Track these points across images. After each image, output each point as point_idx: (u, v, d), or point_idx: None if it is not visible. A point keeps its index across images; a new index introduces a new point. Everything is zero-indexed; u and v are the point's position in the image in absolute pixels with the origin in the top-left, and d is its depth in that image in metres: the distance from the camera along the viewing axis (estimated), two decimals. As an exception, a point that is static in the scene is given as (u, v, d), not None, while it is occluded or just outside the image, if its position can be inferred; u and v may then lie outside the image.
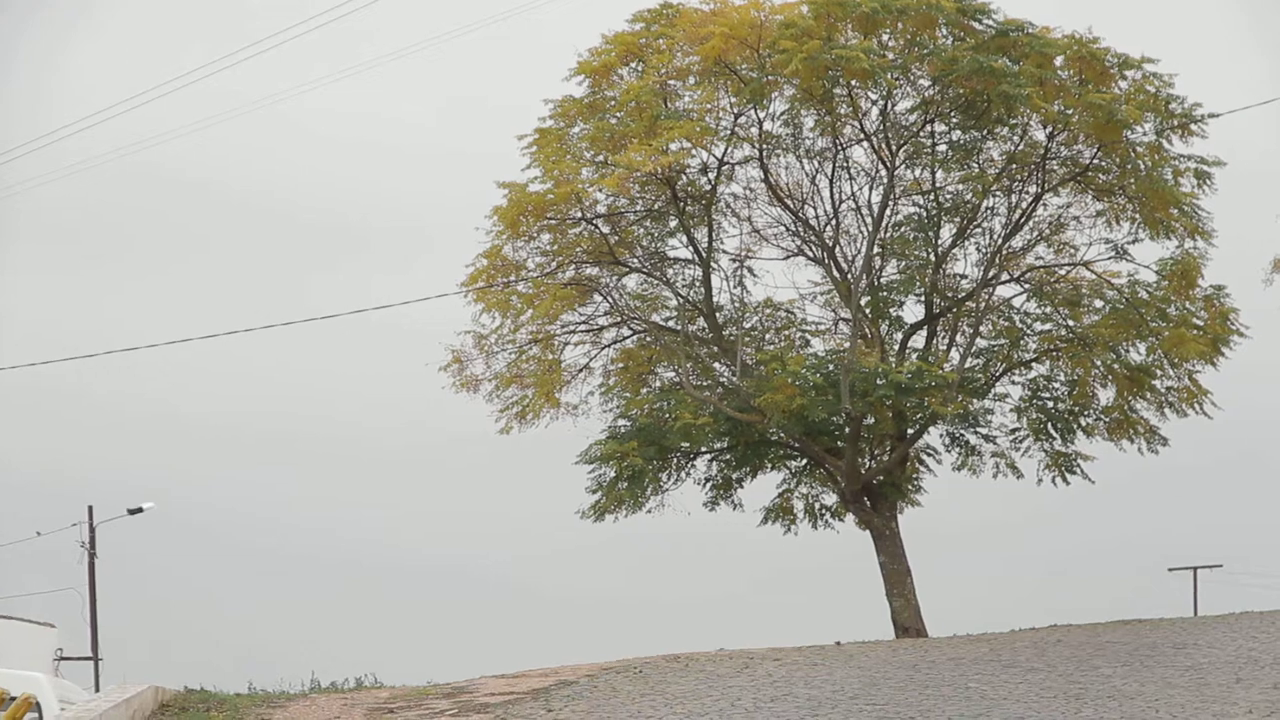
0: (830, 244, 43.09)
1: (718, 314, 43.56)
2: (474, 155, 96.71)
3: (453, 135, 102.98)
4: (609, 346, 44.43)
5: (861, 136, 42.40)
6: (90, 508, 61.69)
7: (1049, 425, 43.62)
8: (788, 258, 43.99)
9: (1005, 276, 43.47)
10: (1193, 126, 40.84)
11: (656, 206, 42.98)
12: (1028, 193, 42.51)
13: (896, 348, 43.22)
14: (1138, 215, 41.94)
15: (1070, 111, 40.26)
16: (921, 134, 42.32)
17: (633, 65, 42.11)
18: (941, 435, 44.03)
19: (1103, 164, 41.76)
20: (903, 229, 43.80)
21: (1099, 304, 42.97)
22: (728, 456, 44.22)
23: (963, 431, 43.96)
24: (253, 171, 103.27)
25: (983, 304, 43.17)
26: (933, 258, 43.15)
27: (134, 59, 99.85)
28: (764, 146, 42.32)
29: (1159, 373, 42.86)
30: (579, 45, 42.07)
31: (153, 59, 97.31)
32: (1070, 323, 43.24)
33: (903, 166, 42.74)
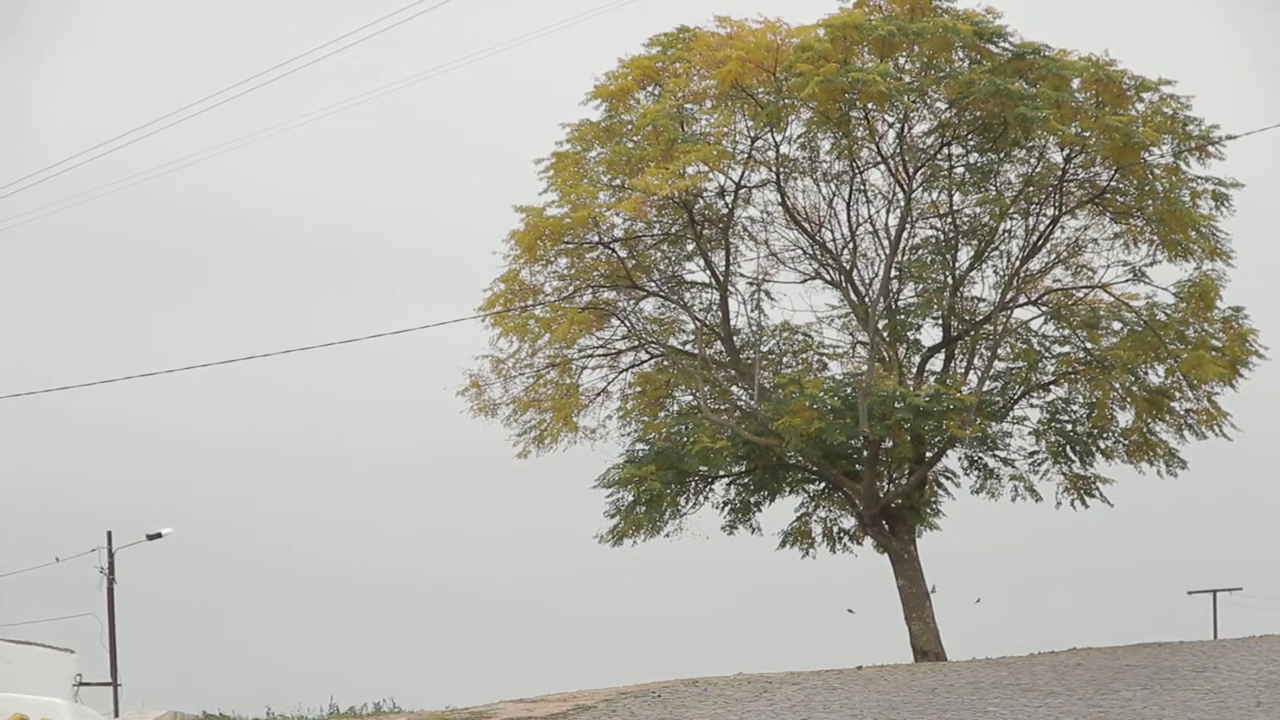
0: (848, 267, 43.06)
1: (735, 337, 43.54)
2: (457, 181, 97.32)
3: (435, 162, 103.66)
4: (626, 370, 44.45)
5: (878, 159, 42.40)
6: (109, 533, 61.80)
7: (1068, 448, 43.51)
8: (805, 281, 44.00)
9: (1023, 299, 43.40)
10: (1210, 148, 40.81)
11: (674, 230, 42.99)
12: (1045, 215, 42.46)
13: (914, 371, 43.16)
14: (1155, 237, 41.87)
15: (1088, 134, 40.24)
16: (939, 157, 42.27)
17: (649, 89, 42.17)
18: (960, 458, 44.00)
19: (1120, 186, 41.69)
20: (920, 252, 43.76)
21: (1117, 326, 42.87)
22: (746, 480, 44.17)
23: (981, 454, 43.88)
24: (252, 199, 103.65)
25: (1000, 327, 43.07)
26: (950, 280, 43.11)
27: (118, 92, 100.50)
28: (781, 170, 42.33)
29: (1178, 395, 42.76)
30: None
31: (140, 92, 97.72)
32: (1088, 345, 43.16)
33: (920, 189, 42.69)
